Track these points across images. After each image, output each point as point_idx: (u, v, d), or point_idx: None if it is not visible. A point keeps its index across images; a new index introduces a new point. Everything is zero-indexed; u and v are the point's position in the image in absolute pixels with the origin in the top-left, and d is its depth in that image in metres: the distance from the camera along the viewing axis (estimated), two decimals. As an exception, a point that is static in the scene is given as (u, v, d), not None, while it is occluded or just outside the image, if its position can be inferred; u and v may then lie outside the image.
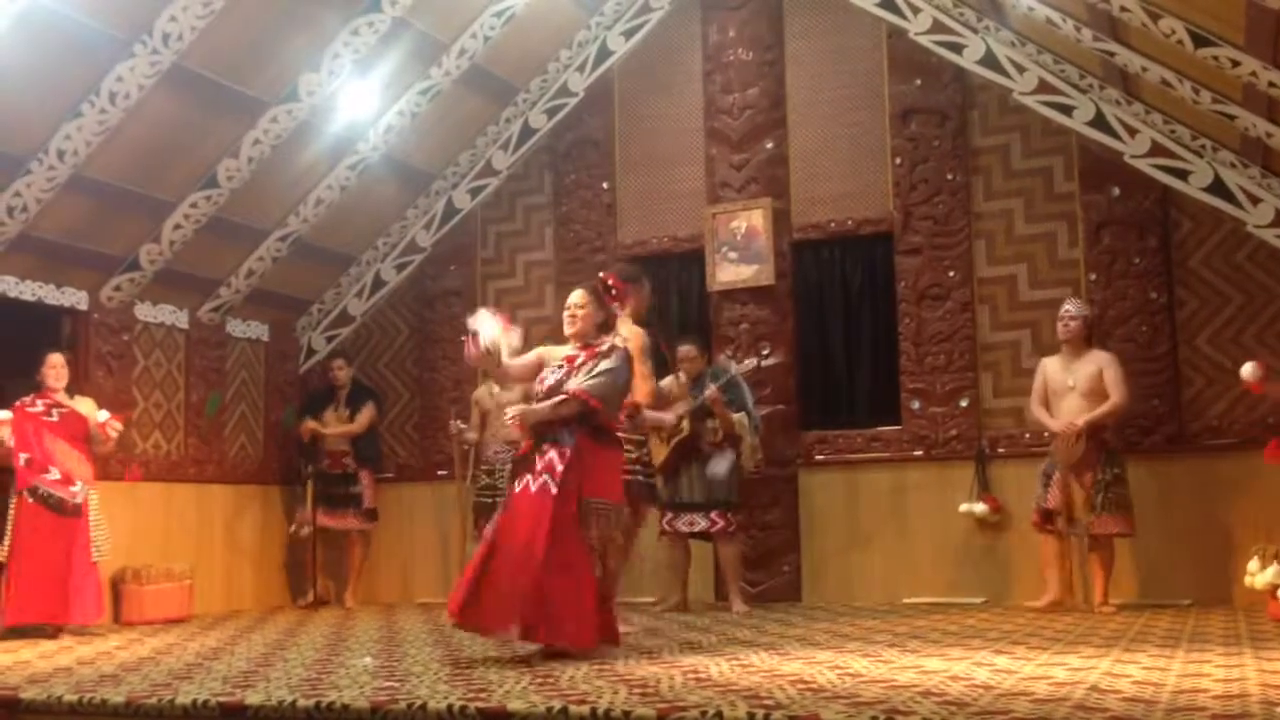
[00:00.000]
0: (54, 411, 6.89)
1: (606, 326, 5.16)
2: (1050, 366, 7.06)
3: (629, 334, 5.72)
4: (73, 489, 6.80)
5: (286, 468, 8.92)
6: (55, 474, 6.76)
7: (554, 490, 4.81)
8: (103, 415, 7.02)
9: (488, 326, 4.95)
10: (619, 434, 5.30)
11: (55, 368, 6.96)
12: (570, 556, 4.77)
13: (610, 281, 5.42)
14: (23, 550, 6.61)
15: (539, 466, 4.88)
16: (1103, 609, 6.61)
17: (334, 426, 8.68)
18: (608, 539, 4.92)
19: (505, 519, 4.94)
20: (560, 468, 4.85)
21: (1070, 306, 7.05)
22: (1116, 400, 6.81)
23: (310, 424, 8.67)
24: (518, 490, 4.93)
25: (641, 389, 5.93)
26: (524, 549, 4.74)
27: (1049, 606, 6.78)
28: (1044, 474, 6.95)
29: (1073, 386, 6.90)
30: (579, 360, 5.04)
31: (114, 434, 7.02)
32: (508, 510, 4.96)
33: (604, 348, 5.05)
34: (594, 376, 4.93)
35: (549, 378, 5.05)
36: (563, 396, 4.92)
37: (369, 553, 8.91)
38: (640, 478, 6.27)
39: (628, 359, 5.12)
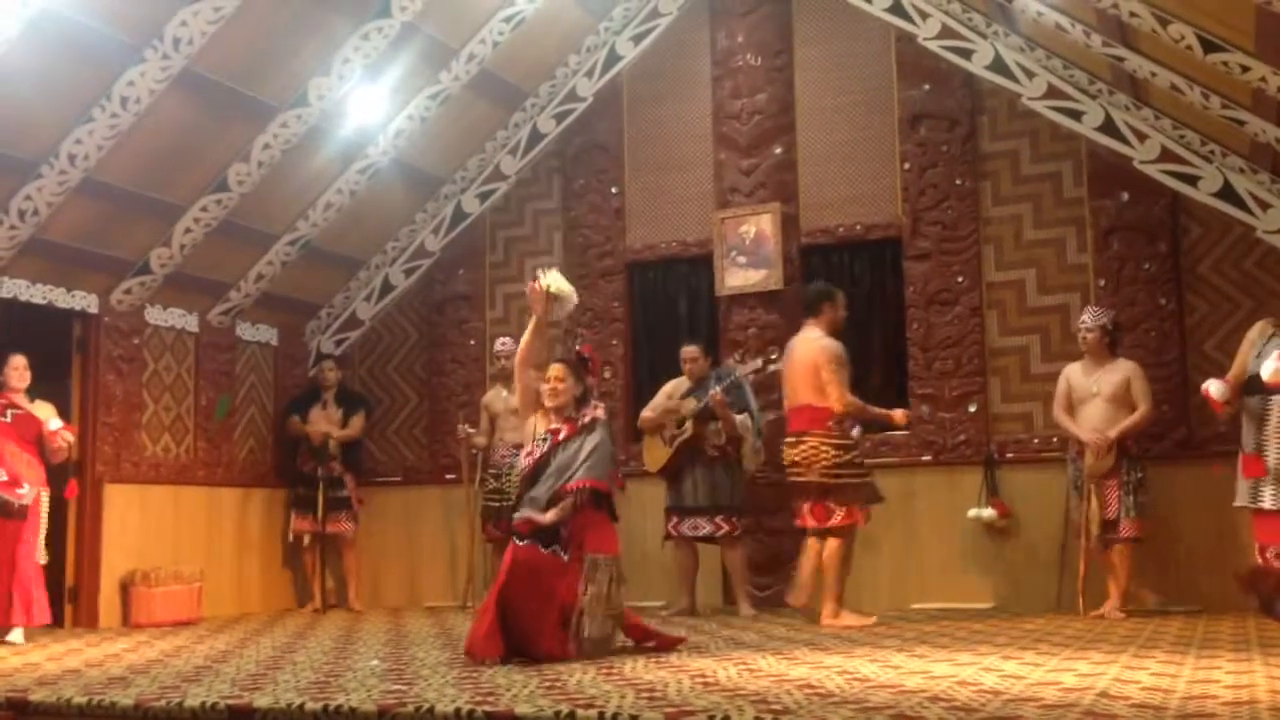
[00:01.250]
0: (8, 412, 6.84)
1: (585, 399, 5.40)
2: (1073, 373, 7.04)
3: (826, 346, 6.53)
4: (19, 491, 6.72)
5: (294, 471, 8.89)
6: (2, 475, 6.67)
7: (564, 558, 5.12)
8: (55, 424, 6.95)
9: (558, 277, 5.34)
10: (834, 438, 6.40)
11: (18, 369, 6.91)
12: (566, 601, 5.08)
13: (586, 354, 5.58)
14: None
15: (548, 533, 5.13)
16: (1114, 615, 6.58)
17: (323, 427, 8.72)
18: (603, 591, 5.16)
19: (517, 576, 5.05)
20: (565, 534, 5.15)
21: (1086, 318, 7.03)
22: (1145, 409, 6.83)
23: (317, 428, 8.69)
24: (523, 543, 5.12)
25: (836, 396, 6.52)
26: (537, 617, 4.98)
27: (1107, 612, 6.77)
28: (1074, 485, 6.95)
29: (1096, 393, 6.89)
30: (562, 435, 5.29)
31: (63, 444, 6.95)
32: (520, 566, 5.06)
33: (586, 421, 5.32)
34: (588, 458, 5.23)
35: (536, 451, 5.30)
36: (570, 499, 5.16)
37: (360, 554, 8.95)
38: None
39: (608, 426, 5.45)
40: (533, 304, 5.41)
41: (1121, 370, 6.92)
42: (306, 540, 8.65)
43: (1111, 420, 6.83)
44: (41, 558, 6.85)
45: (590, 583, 5.12)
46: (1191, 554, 7.15)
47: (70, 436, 7.04)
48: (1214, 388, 6.15)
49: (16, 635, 6.52)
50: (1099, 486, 6.81)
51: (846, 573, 6.70)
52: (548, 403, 5.34)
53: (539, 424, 5.37)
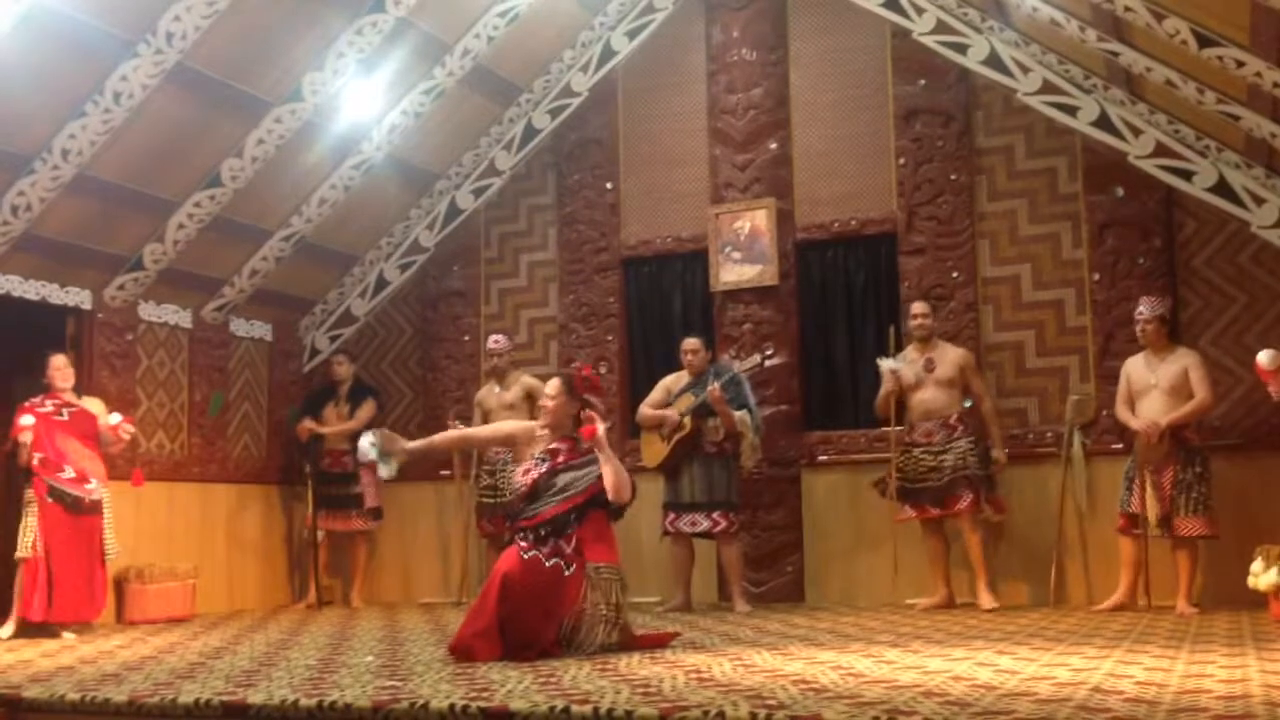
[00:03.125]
0: (64, 411, 6.90)
1: (579, 419, 5.22)
2: (1133, 366, 6.94)
3: (956, 356, 7.26)
4: (88, 486, 6.82)
5: (288, 467, 8.91)
6: (70, 472, 6.77)
7: (567, 573, 5.00)
8: (115, 418, 7.03)
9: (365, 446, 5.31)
10: None
11: (60, 369, 6.96)
12: (566, 614, 4.99)
13: (586, 374, 5.41)
14: (50, 550, 6.62)
15: (551, 544, 5.03)
16: (1186, 611, 6.46)
17: (334, 424, 8.69)
18: (610, 600, 5.05)
19: (517, 587, 4.92)
20: (568, 548, 5.04)
21: (1144, 309, 6.89)
22: (1202, 397, 6.67)
23: (308, 424, 8.67)
24: (527, 556, 4.99)
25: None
26: (536, 632, 4.88)
27: (1112, 608, 6.74)
28: (1126, 476, 6.85)
29: (1155, 384, 6.78)
30: (561, 456, 5.15)
31: (126, 436, 7.04)
32: (522, 578, 4.94)
33: (584, 447, 5.14)
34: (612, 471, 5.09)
35: (533, 470, 5.15)
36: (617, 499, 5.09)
37: (374, 552, 8.92)
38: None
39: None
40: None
41: (1181, 360, 6.77)
42: (321, 536, 8.60)
43: (1170, 411, 6.68)
44: (113, 552, 6.96)
45: (593, 590, 5.02)
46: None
47: (131, 429, 7.11)
48: (1263, 357, 6.01)
49: (68, 635, 6.59)
50: (1154, 477, 6.67)
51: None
52: (542, 419, 5.28)
53: (537, 446, 5.25)
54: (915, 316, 7.45)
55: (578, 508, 5.09)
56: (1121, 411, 6.96)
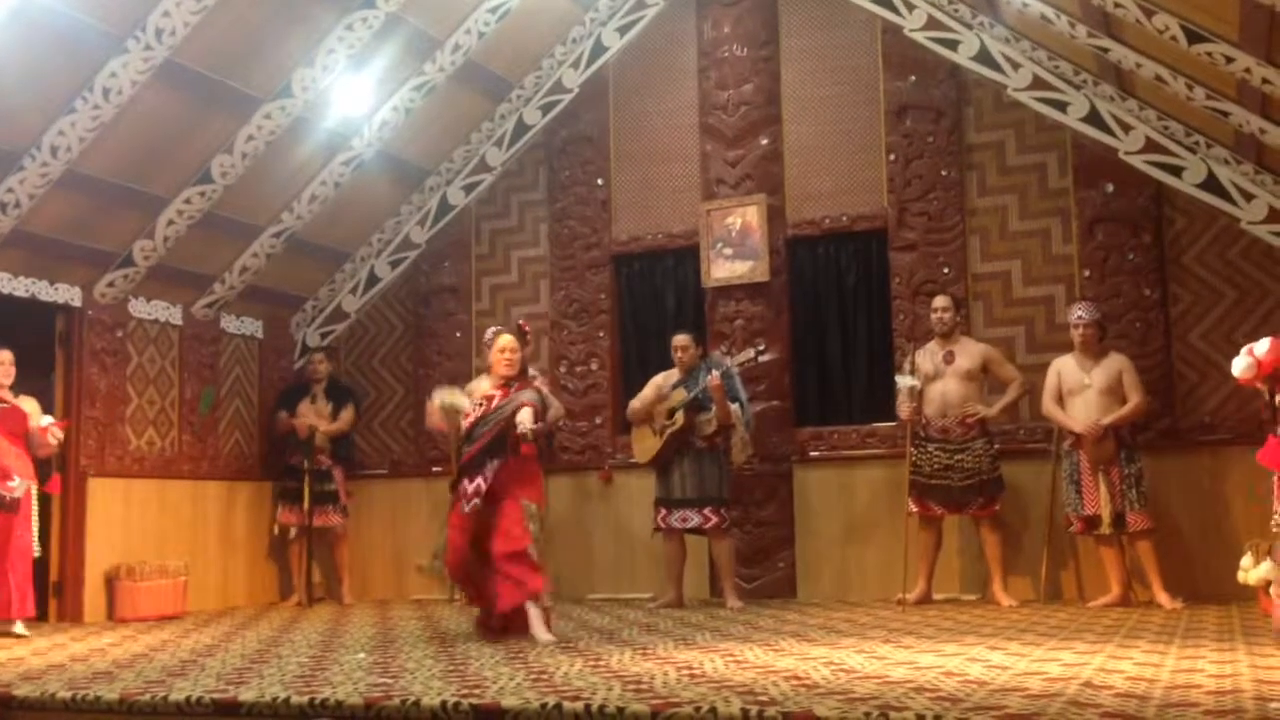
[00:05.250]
0: None
1: (524, 369, 5.97)
2: (1064, 366, 7.06)
3: (979, 350, 7.35)
4: (10, 484, 6.71)
5: (280, 464, 8.87)
6: None
7: (507, 501, 5.63)
8: (46, 420, 6.96)
9: (448, 393, 5.84)
10: None
11: (3, 364, 6.87)
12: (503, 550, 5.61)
13: (525, 329, 6.06)
14: None
15: (489, 478, 5.63)
16: (1169, 603, 6.55)
17: (312, 419, 8.71)
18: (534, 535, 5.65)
19: (482, 523, 5.64)
20: (493, 488, 5.65)
21: (1083, 313, 7.01)
22: (1138, 400, 6.87)
23: (304, 420, 8.67)
24: (473, 497, 5.64)
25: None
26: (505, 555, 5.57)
27: (1109, 604, 6.78)
28: (1070, 480, 6.94)
29: (1089, 385, 6.92)
30: (495, 400, 5.77)
31: (54, 441, 6.96)
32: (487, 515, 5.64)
33: (516, 388, 5.81)
34: (545, 405, 5.93)
35: (472, 414, 5.74)
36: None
37: (351, 547, 8.94)
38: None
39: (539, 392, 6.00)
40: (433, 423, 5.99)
41: (1115, 363, 6.96)
42: (293, 533, 8.65)
43: (1105, 411, 6.85)
44: (34, 551, 6.86)
45: (532, 524, 5.58)
46: (1174, 544, 7.15)
47: (60, 434, 7.03)
48: (1237, 366, 6.05)
49: (20, 627, 6.52)
50: (1105, 476, 6.80)
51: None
52: (504, 371, 5.82)
53: (477, 394, 5.85)
54: (936, 310, 7.43)
55: (496, 440, 5.64)
56: (1053, 409, 7.05)
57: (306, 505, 8.49)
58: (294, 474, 8.64)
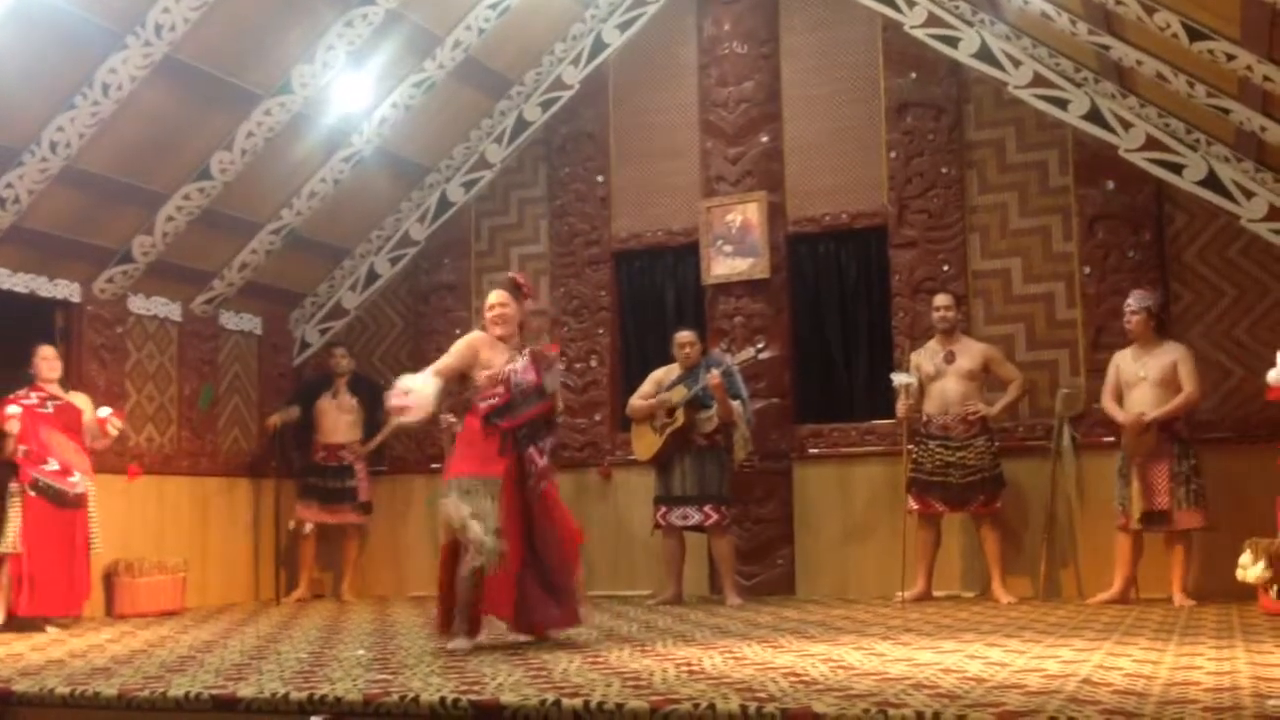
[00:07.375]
0: (48, 404, 6.90)
1: (523, 327, 5.41)
2: (1122, 359, 6.95)
3: (980, 350, 7.33)
4: (71, 480, 6.82)
5: (305, 462, 8.77)
6: (54, 465, 6.76)
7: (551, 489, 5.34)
8: (104, 411, 7.03)
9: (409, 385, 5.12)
10: None
11: (47, 359, 6.97)
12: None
13: (520, 280, 5.49)
14: (32, 543, 6.63)
15: (539, 467, 5.23)
16: (1183, 603, 6.49)
17: (333, 416, 8.66)
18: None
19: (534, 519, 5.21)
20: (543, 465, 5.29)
21: (1132, 300, 6.91)
22: (1189, 391, 6.70)
23: (272, 419, 8.62)
24: (531, 485, 5.21)
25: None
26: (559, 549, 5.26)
27: (1109, 601, 6.75)
28: (1120, 474, 6.82)
29: (1144, 377, 6.78)
30: (530, 374, 5.22)
31: (114, 431, 7.03)
32: (538, 510, 5.22)
33: (544, 354, 5.31)
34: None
35: (522, 372, 5.21)
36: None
37: (364, 546, 8.92)
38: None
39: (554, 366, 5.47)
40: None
41: (1169, 353, 6.80)
42: (308, 529, 8.59)
43: (1158, 404, 6.69)
44: (98, 547, 6.96)
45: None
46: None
47: (119, 424, 7.11)
48: (1273, 375, 6.11)
49: (52, 629, 6.59)
50: (1142, 471, 6.68)
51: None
52: (496, 331, 5.29)
53: (494, 360, 5.22)
54: (938, 309, 7.42)
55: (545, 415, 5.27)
56: (1108, 404, 6.96)
57: (315, 502, 8.53)
58: (319, 471, 8.59)
